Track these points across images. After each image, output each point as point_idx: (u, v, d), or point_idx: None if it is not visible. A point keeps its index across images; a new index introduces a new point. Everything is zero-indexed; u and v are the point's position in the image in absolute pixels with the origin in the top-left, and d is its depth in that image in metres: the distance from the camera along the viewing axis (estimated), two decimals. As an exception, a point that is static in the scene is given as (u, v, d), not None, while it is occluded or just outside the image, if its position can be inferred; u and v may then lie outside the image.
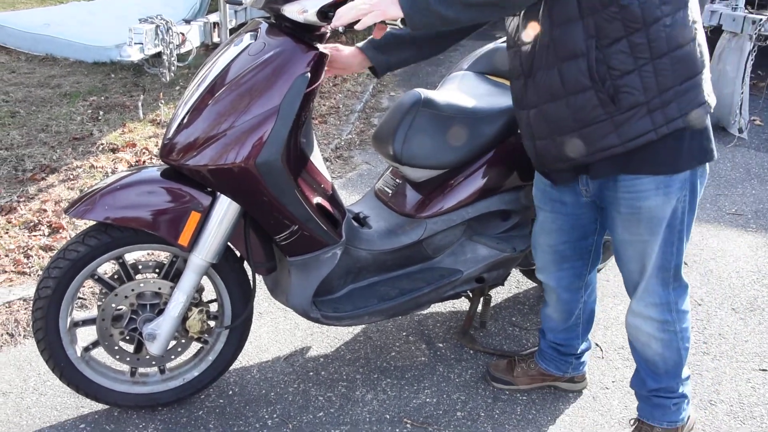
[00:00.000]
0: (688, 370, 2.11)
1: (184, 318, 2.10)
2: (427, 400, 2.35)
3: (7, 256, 3.00)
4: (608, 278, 3.03)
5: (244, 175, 1.91)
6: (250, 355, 2.52)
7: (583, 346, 2.34)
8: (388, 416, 2.28)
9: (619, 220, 1.90)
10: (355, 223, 2.34)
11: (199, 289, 2.17)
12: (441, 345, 2.61)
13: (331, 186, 2.17)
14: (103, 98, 4.81)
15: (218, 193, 1.98)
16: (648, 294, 1.96)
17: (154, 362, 2.19)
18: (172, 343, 2.17)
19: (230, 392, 2.35)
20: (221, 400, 2.31)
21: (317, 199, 2.08)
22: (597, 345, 2.63)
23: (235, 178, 1.92)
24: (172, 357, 2.20)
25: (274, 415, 2.26)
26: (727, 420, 2.30)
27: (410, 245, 2.34)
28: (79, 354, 2.13)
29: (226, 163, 1.90)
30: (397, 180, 2.46)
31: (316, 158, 2.10)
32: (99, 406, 2.25)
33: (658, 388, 2.07)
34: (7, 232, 3.17)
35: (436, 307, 2.81)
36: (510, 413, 2.30)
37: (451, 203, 2.35)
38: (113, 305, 2.08)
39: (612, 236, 1.98)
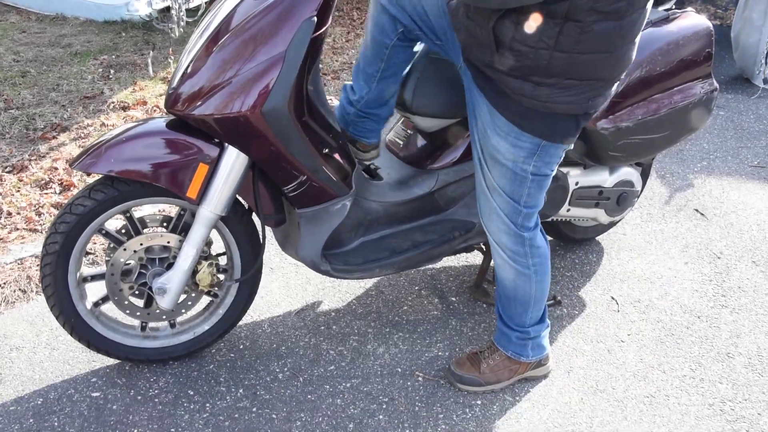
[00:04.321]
0: (546, 319, 2.17)
1: (194, 272, 2.08)
2: (439, 353, 2.33)
3: (18, 213, 3.00)
4: (625, 232, 2.97)
5: (250, 123, 1.87)
6: (261, 310, 2.51)
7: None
8: (399, 370, 2.26)
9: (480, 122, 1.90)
10: (366, 175, 2.30)
11: (208, 243, 2.14)
12: (454, 299, 2.58)
13: (341, 136, 2.12)
14: (114, 57, 4.76)
15: (226, 144, 1.94)
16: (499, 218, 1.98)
17: (164, 316, 2.18)
18: (182, 297, 2.15)
19: (241, 346, 2.34)
20: (232, 354, 2.31)
21: (326, 150, 2.04)
22: (613, 298, 2.59)
23: (241, 127, 1.88)
24: (183, 311, 2.19)
25: (285, 369, 2.25)
26: (744, 372, 2.26)
27: (422, 197, 2.30)
28: (89, 309, 2.12)
29: (231, 111, 1.85)
30: (409, 131, 2.40)
31: (325, 108, 2.05)
32: (110, 361, 2.25)
33: (504, 315, 2.13)
34: (18, 191, 3.16)
35: (450, 261, 2.78)
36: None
37: (461, 153, 2.30)
38: (122, 260, 2.06)
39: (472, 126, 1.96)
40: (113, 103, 4.05)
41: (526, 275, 2.04)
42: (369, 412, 2.10)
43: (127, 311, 2.14)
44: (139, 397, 2.13)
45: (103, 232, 2.05)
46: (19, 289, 2.60)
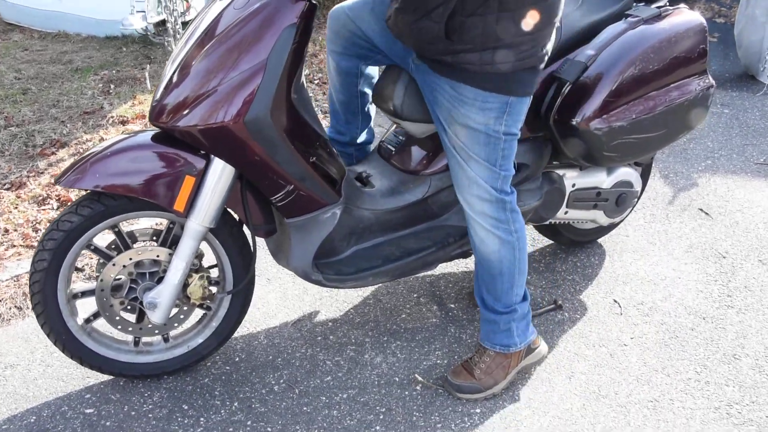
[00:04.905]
0: (528, 295, 2.15)
1: (185, 285, 2.06)
2: (438, 361, 2.29)
3: (16, 230, 2.99)
4: (627, 233, 2.92)
5: (233, 134, 1.84)
6: (257, 321, 2.48)
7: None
8: (397, 379, 2.22)
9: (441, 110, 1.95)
10: (358, 183, 2.27)
11: (199, 255, 2.12)
12: (453, 306, 2.54)
13: (328, 144, 2.09)
14: (114, 72, 4.77)
15: (212, 155, 1.92)
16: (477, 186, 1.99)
17: (157, 331, 2.15)
18: (175, 310, 2.13)
19: (236, 359, 2.31)
20: (227, 367, 2.28)
21: (313, 158, 2.01)
22: (615, 301, 2.54)
23: (225, 137, 1.85)
24: (175, 325, 2.17)
25: (281, 381, 2.22)
26: (752, 374, 2.20)
27: (415, 203, 2.26)
28: (80, 325, 2.10)
29: (215, 122, 1.83)
30: (400, 137, 2.37)
31: (311, 116, 2.03)
32: (105, 377, 2.22)
33: (490, 298, 2.10)
34: (16, 207, 3.15)
35: (448, 268, 2.74)
36: (523, 373, 2.22)
37: None
38: (111, 275, 2.04)
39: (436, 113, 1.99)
40: (113, 117, 4.05)
41: (510, 243, 2.03)
42: (366, 423, 2.06)
43: (119, 327, 2.11)
44: (133, 413, 2.10)
45: (92, 247, 2.03)
46: (15, 306, 2.58)
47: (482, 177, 1.96)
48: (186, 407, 2.12)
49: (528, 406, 2.10)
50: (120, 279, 2.06)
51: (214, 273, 2.19)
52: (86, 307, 2.17)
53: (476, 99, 1.87)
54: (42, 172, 3.45)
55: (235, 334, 2.40)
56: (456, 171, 2.00)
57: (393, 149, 2.36)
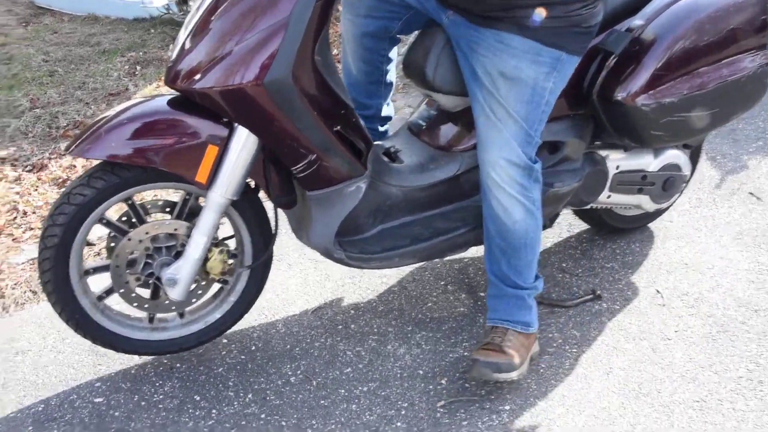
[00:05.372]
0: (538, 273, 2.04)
1: (205, 259, 1.95)
2: (465, 354, 2.14)
3: (34, 212, 2.92)
4: (672, 218, 2.73)
5: (251, 97, 1.73)
6: (276, 309, 2.36)
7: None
8: (421, 372, 2.08)
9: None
10: (385, 158, 2.14)
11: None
12: (482, 294, 2.39)
13: (354, 113, 1.96)
14: (141, 53, 4.70)
15: (235, 124, 1.81)
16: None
17: (173, 307, 2.05)
18: (192, 286, 2.02)
19: (253, 347, 2.20)
20: (243, 356, 2.16)
21: (337, 126, 1.88)
22: (658, 291, 2.36)
23: (244, 101, 1.74)
24: (193, 300, 2.06)
25: (298, 372, 2.10)
26: (809, 372, 2.02)
27: (445, 181, 2.12)
28: (93, 303, 2.00)
29: (233, 84, 1.72)
30: (432, 111, 2.22)
31: (336, 82, 1.89)
32: (116, 365, 2.13)
33: (512, 273, 1.97)
34: (36, 189, 3.09)
35: (479, 253, 2.58)
36: (557, 368, 2.07)
37: None
38: (127, 251, 1.94)
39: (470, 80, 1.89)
40: (137, 98, 3.97)
41: (532, 212, 1.93)
42: (386, 418, 1.93)
43: (135, 303, 2.01)
44: (143, 403, 2.00)
45: (105, 222, 1.93)
46: (30, 290, 2.51)
47: (517, 139, 1.85)
48: (198, 398, 2.02)
49: (561, 404, 1.95)
50: (135, 254, 1.96)
51: (231, 245, 2.08)
52: (98, 283, 2.06)
53: (528, 51, 1.78)
54: (64, 154, 3.38)
55: (253, 322, 2.29)
56: (487, 132, 1.87)
57: (423, 124, 2.22)
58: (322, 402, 1.99)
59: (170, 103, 1.84)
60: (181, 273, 1.91)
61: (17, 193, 3.05)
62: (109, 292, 2.03)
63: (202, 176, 1.81)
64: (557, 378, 2.03)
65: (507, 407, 1.95)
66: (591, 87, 2.10)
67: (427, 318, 2.30)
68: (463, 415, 1.93)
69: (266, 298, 2.39)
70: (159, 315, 2.09)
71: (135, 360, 2.15)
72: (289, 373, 2.10)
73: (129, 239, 1.93)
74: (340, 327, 2.27)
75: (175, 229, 1.94)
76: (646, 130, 2.11)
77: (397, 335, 2.23)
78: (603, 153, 2.29)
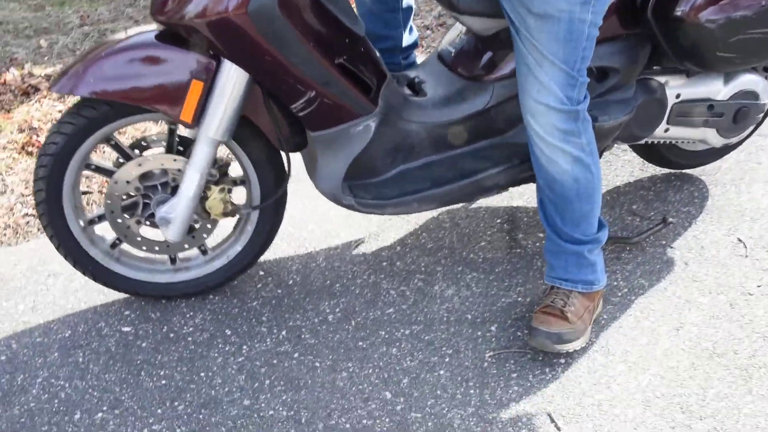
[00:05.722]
0: (603, 221, 1.83)
1: (205, 198, 1.81)
2: (519, 299, 1.96)
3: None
4: (760, 160, 2.45)
5: (237, 27, 1.56)
6: (317, 241, 2.21)
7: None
8: (469, 316, 1.91)
9: None
10: (408, 90, 1.92)
11: (226, 164, 1.88)
12: (541, 235, 2.18)
13: (364, 42, 1.75)
14: (194, -30, 4.51)
15: (222, 57, 1.64)
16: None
17: (186, 245, 1.92)
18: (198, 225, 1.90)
19: (290, 281, 2.06)
20: (279, 290, 2.03)
21: (340, 58, 1.67)
22: (740, 240, 2.11)
23: (229, 32, 1.57)
24: (204, 236, 1.92)
25: (337, 310, 1.95)
26: None
27: (474, 115, 1.89)
28: (105, 252, 1.91)
29: (217, 13, 1.54)
30: (463, 36, 1.97)
31: (340, 7, 1.68)
32: (147, 292, 2.03)
33: (569, 228, 1.76)
34: (79, 107, 2.98)
35: (540, 192, 2.37)
36: (621, 320, 1.87)
37: None
38: (117, 194, 1.81)
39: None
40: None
41: (581, 160, 1.70)
42: (428, 365, 1.78)
43: (144, 248, 1.89)
44: (172, 335, 1.90)
45: (93, 167, 1.82)
46: (66, 211, 2.42)
47: (556, 82, 1.61)
48: (229, 332, 1.90)
49: (623, 360, 1.76)
50: (133, 197, 1.83)
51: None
52: (108, 232, 1.94)
53: None
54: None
55: (292, 254, 2.15)
56: (524, 76, 1.64)
57: (453, 51, 1.97)
58: (360, 344, 1.85)
59: (157, 37, 1.69)
60: (175, 212, 1.77)
61: (59, 111, 2.95)
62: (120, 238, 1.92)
63: (187, 114, 1.67)
64: (620, 331, 1.83)
65: (562, 361, 1.77)
66: (645, 1, 1.84)
67: (480, 258, 2.11)
68: (513, 367, 1.76)
69: (308, 229, 2.24)
70: (181, 255, 1.96)
71: (167, 289, 2.04)
72: (327, 310, 1.96)
73: (116, 182, 1.80)
74: (385, 264, 2.11)
75: (162, 164, 1.80)
76: (711, 52, 1.85)
77: (446, 275, 2.05)
78: (661, 79, 2.01)
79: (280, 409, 1.69)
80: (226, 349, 1.85)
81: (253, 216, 1.93)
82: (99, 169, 1.85)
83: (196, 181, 1.74)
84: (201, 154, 1.72)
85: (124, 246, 1.93)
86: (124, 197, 1.84)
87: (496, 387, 1.71)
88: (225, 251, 1.97)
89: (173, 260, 1.95)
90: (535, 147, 1.71)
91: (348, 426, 1.64)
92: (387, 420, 1.65)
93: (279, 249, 2.15)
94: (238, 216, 1.92)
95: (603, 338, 1.82)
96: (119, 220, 1.84)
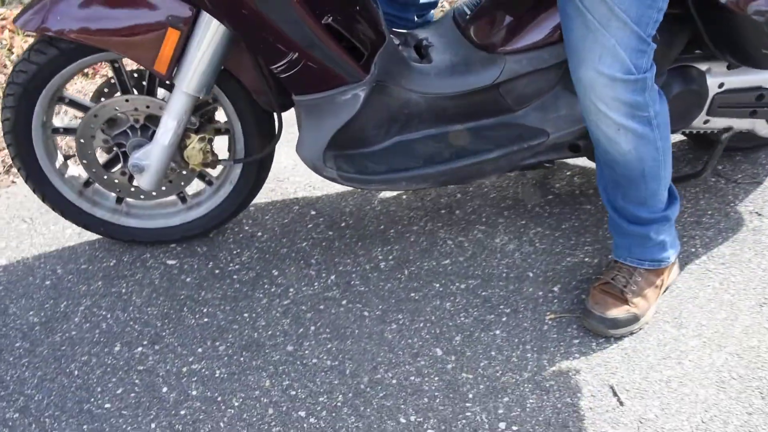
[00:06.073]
0: (675, 192, 1.66)
1: (184, 146, 1.69)
2: (586, 259, 1.82)
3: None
4: None
5: None
6: (373, 183, 2.09)
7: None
8: (530, 274, 1.78)
9: None
10: (414, 54, 1.74)
11: (213, 110, 1.76)
12: (615, 192, 2.02)
13: (363, 4, 1.57)
14: None
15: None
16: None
17: (182, 183, 1.80)
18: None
19: (342, 224, 1.96)
20: (330, 232, 1.93)
21: (328, 18, 1.50)
22: (838, 212, 1.91)
23: None
24: (182, 184, 1.81)
25: (390, 258, 1.85)
26: None
27: (481, 90, 1.69)
28: (114, 209, 1.85)
29: None
30: None
31: None
32: (194, 225, 1.96)
33: (633, 206, 1.59)
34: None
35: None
36: (697, 290, 1.71)
37: (544, 34, 1.65)
38: (89, 152, 1.73)
39: None
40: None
41: (646, 136, 1.49)
42: (484, 323, 1.66)
43: (142, 196, 1.80)
44: (217, 271, 1.83)
45: (67, 101, 1.72)
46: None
47: (625, 47, 1.38)
48: (276, 273, 1.82)
49: (698, 335, 1.61)
50: (108, 149, 1.75)
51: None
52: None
53: None
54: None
55: (346, 196, 2.04)
56: (583, 41, 1.41)
57: (468, 13, 1.77)
58: (412, 295, 1.74)
59: None
60: (149, 159, 1.65)
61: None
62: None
63: (161, 65, 1.54)
64: (695, 303, 1.68)
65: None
66: None
67: (546, 212, 1.97)
68: (575, 333, 1.63)
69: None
70: (190, 192, 1.87)
71: (215, 223, 1.97)
72: (380, 257, 1.85)
73: (81, 140, 1.70)
74: (443, 211, 1.99)
75: (116, 109, 1.67)
76: (757, 49, 1.61)
77: (508, 228, 1.92)
78: (702, 66, 1.77)
79: (324, 357, 1.61)
80: (272, 290, 1.77)
81: (235, 169, 1.81)
82: (72, 104, 1.74)
83: (173, 129, 1.62)
84: (177, 103, 1.59)
85: (129, 200, 1.86)
86: (102, 149, 1.75)
87: (555, 352, 1.59)
88: (202, 202, 1.86)
89: (183, 199, 1.86)
90: (594, 127, 1.50)
91: (394, 381, 1.55)
92: (436, 378, 1.55)
93: (333, 188, 2.05)
94: (214, 168, 1.81)
95: (676, 309, 1.67)
96: (104, 176, 1.75)
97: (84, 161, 1.74)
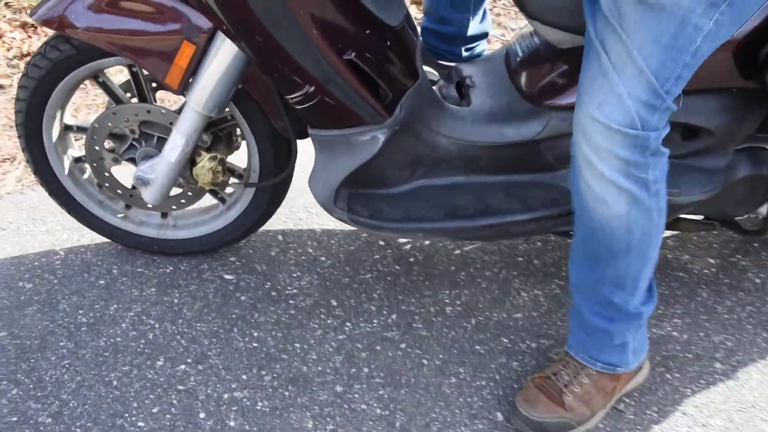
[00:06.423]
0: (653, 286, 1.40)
1: (194, 163, 1.59)
2: (674, 333, 1.64)
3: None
4: None
5: None
6: (448, 219, 1.97)
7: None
8: (610, 342, 1.61)
9: None
10: (453, 92, 1.60)
11: (226, 126, 1.65)
12: (712, 261, 1.83)
13: (398, 34, 1.43)
14: None
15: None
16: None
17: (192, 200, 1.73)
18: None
19: (411, 259, 1.84)
20: (397, 267, 1.81)
21: (351, 53, 1.35)
22: None
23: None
24: (183, 202, 1.73)
25: (457, 302, 1.71)
26: None
27: (519, 144, 1.53)
28: (159, 224, 1.79)
29: None
30: (536, 39, 1.58)
31: None
32: (258, 239, 1.87)
33: (606, 289, 1.33)
34: None
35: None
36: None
37: None
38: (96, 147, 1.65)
39: None
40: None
41: (643, 202, 1.25)
42: (552, 391, 1.51)
43: (174, 206, 1.73)
44: (274, 294, 1.73)
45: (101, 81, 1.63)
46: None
47: (635, 97, 1.18)
48: (334, 303, 1.71)
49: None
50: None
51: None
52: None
53: None
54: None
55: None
56: (589, 81, 1.22)
57: (519, 56, 1.59)
58: (477, 347, 1.61)
59: None
60: (154, 173, 1.57)
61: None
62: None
63: (173, 78, 1.45)
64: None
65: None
66: None
67: (633, 275, 1.79)
68: (654, 416, 1.46)
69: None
70: (227, 191, 1.77)
71: (278, 240, 1.88)
72: (446, 300, 1.72)
73: (93, 137, 1.63)
74: (521, 259, 1.84)
75: (127, 119, 1.59)
76: None
77: (589, 287, 1.76)
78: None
79: (375, 405, 1.48)
80: (328, 322, 1.66)
81: (247, 192, 1.71)
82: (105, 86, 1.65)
83: (181, 146, 1.52)
84: (187, 120, 1.50)
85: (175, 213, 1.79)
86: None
87: (630, 436, 1.42)
88: (208, 221, 1.78)
89: (223, 200, 1.76)
90: (580, 179, 1.28)
91: (447, 443, 1.41)
92: (493, 446, 1.41)
93: (405, 220, 1.93)
94: (223, 190, 1.72)
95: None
96: (96, 147, 1.66)
97: (102, 184, 1.71)
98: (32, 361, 1.56)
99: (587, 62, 1.23)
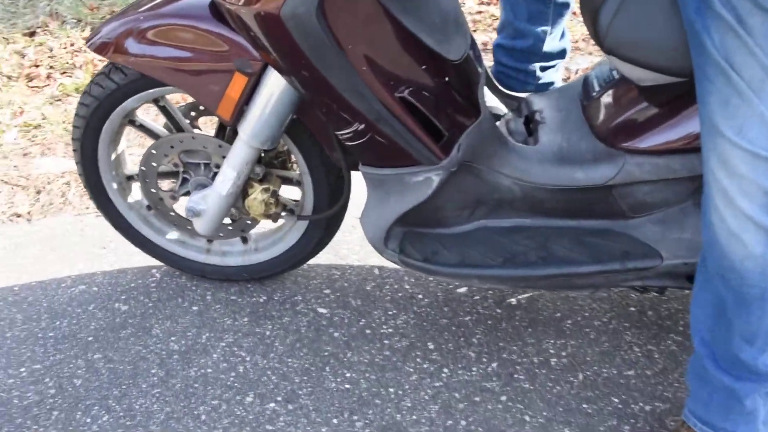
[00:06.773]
0: None
1: (246, 193, 1.55)
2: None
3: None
4: None
5: (273, 29, 1.21)
6: (554, 261, 1.85)
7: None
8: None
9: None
10: (521, 127, 1.48)
11: (282, 158, 1.62)
12: None
13: (457, 69, 1.31)
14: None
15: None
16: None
17: (222, 234, 1.70)
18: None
19: (514, 302, 1.73)
20: (499, 310, 1.71)
21: (407, 91, 1.26)
22: None
23: (266, 32, 1.23)
24: (242, 231, 1.70)
25: (563, 354, 1.60)
26: None
27: (590, 189, 1.38)
28: (205, 249, 1.77)
29: (253, 5, 1.19)
30: (614, 74, 1.43)
31: (425, 21, 1.24)
32: (352, 274, 1.81)
33: (735, 344, 1.16)
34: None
35: None
36: None
37: (678, 137, 1.31)
38: (153, 163, 1.62)
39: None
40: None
41: None
42: (669, 462, 1.37)
43: (221, 234, 1.69)
44: (368, 331, 1.66)
45: (137, 124, 1.62)
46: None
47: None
48: (431, 346, 1.62)
49: None
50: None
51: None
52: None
53: None
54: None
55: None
56: (723, 103, 1.06)
57: (597, 89, 1.45)
58: (584, 406, 1.48)
59: (211, 6, 1.39)
60: (205, 205, 1.54)
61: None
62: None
63: (225, 110, 1.40)
64: None
65: None
66: None
67: (761, 335, 1.63)
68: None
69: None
70: (283, 213, 1.70)
71: (374, 274, 1.81)
72: (551, 351, 1.60)
73: (153, 151, 1.60)
74: (633, 309, 1.70)
75: (204, 147, 1.56)
76: None
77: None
78: None
79: (472, 463, 1.38)
80: (424, 366, 1.57)
81: (289, 235, 1.67)
82: (143, 128, 1.64)
83: (232, 179, 1.49)
84: (239, 154, 1.46)
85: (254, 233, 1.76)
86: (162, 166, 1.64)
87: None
88: (265, 248, 1.73)
89: (291, 211, 1.70)
90: (713, 212, 1.12)
91: None
92: None
93: (508, 259, 1.82)
94: (276, 222, 1.67)
95: None
96: (153, 190, 1.65)
97: (143, 168, 1.64)
98: (124, 387, 1.54)
99: (711, 87, 1.08)
